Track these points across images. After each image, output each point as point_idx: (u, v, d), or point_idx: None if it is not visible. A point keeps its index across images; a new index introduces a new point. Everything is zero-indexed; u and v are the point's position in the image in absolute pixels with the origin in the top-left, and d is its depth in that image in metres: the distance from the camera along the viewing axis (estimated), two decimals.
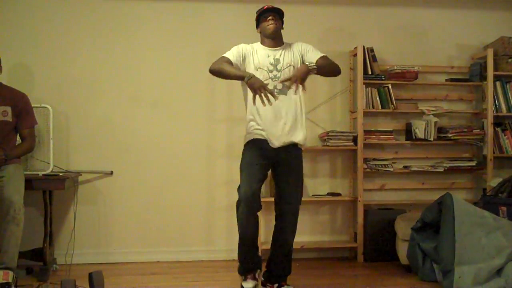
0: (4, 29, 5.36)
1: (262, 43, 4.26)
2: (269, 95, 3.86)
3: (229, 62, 4.10)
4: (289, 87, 4.00)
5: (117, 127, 5.48)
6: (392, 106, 5.62)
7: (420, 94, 5.86)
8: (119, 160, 5.47)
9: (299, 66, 4.10)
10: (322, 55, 4.22)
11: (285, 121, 4.09)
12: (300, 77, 3.87)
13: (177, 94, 5.55)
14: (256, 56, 4.17)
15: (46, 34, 5.42)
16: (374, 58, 5.60)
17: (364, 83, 5.55)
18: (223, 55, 4.16)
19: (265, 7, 4.22)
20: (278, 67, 4.13)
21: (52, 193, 4.98)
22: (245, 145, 4.20)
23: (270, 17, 4.18)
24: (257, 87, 3.85)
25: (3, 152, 4.43)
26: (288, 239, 4.20)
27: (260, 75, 4.07)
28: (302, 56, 4.22)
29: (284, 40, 4.30)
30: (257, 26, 4.30)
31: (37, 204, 5.08)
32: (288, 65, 4.15)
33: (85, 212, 5.38)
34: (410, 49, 5.87)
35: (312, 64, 4.00)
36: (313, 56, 4.20)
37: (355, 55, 5.64)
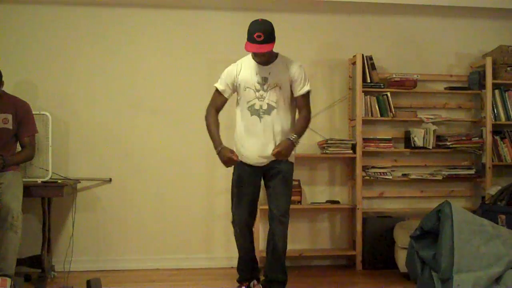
0: (5, 37, 5.38)
1: (253, 57, 4.18)
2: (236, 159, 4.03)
3: (218, 106, 4.22)
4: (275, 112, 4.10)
5: (116, 134, 5.49)
6: (391, 114, 5.62)
7: (419, 102, 5.86)
8: (118, 167, 5.47)
9: (287, 86, 4.13)
10: (306, 91, 4.17)
11: (267, 141, 4.11)
12: (285, 156, 4.07)
13: (176, 101, 5.56)
14: (244, 74, 4.15)
15: (46, 42, 5.43)
16: (373, 66, 5.62)
17: (363, 91, 5.56)
18: (216, 84, 4.24)
19: (254, 49, 3.99)
20: (265, 87, 4.11)
21: (50, 200, 4.98)
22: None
23: (258, 53, 4.06)
24: (223, 162, 4.08)
25: (1, 157, 4.43)
26: (277, 244, 4.21)
27: (248, 94, 4.12)
28: (291, 82, 4.15)
29: (280, 52, 4.23)
30: (246, 43, 4.06)
31: (36, 211, 5.07)
32: (275, 85, 4.11)
33: (84, 219, 5.37)
34: (409, 58, 5.89)
35: (294, 137, 4.06)
36: (297, 90, 4.16)
37: (354, 63, 5.65)
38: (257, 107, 4.10)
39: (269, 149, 4.09)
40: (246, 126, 4.15)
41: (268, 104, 4.09)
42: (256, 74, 4.13)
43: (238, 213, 4.22)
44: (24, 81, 5.35)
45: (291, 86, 4.16)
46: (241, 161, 4.17)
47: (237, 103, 4.26)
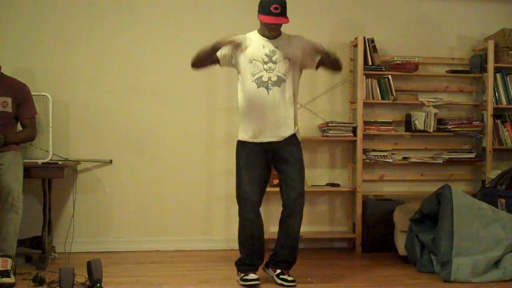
0: (4, 18, 5.34)
1: (259, 32, 4.19)
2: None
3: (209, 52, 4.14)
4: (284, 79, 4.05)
5: (116, 116, 5.48)
6: (392, 97, 5.61)
7: (420, 85, 5.85)
8: (119, 149, 5.47)
9: (297, 58, 4.12)
10: (323, 49, 4.19)
11: (277, 113, 4.08)
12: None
13: (177, 84, 5.54)
14: (250, 47, 4.11)
15: (47, 23, 5.40)
16: (374, 49, 5.59)
17: (364, 74, 5.54)
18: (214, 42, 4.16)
19: (273, 20, 4.02)
20: (274, 59, 4.09)
21: (51, 182, 4.98)
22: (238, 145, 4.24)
23: (273, 26, 4.08)
24: (228, 42, 4.02)
25: (2, 134, 4.43)
26: (294, 226, 4.17)
27: (254, 67, 4.07)
28: (303, 50, 4.16)
29: (285, 30, 4.25)
30: (260, 14, 4.09)
31: (36, 192, 5.07)
32: (284, 57, 4.10)
33: (84, 201, 5.38)
34: (411, 40, 5.86)
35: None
36: (317, 51, 4.17)
37: (355, 45, 5.62)
38: (265, 79, 4.05)
39: (280, 123, 4.07)
40: (251, 100, 4.09)
41: (278, 76, 4.07)
42: (264, 47, 4.11)
43: (251, 193, 4.10)
44: (24, 62, 5.32)
45: (306, 56, 4.16)
46: (246, 141, 4.15)
47: (239, 80, 4.20)
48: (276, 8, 3.98)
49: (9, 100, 4.58)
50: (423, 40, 5.88)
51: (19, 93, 4.64)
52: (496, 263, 4.37)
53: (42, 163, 4.82)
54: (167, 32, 5.55)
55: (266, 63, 4.09)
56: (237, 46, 4.07)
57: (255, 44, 4.13)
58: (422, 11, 5.91)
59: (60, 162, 4.96)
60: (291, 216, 4.16)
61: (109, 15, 5.49)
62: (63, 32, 5.42)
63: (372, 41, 5.58)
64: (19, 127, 4.77)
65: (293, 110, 4.15)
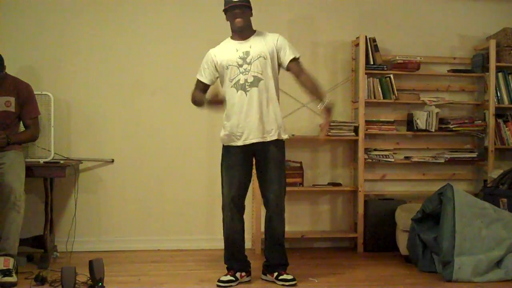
0: (8, 18, 5.34)
1: (232, 36, 4.24)
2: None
3: (199, 87, 4.30)
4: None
5: (118, 115, 5.48)
6: (394, 96, 5.61)
7: (422, 84, 5.84)
8: (120, 148, 5.47)
9: (272, 55, 4.14)
10: (296, 56, 4.19)
11: (256, 114, 4.09)
12: (328, 124, 4.20)
13: (178, 82, 5.53)
14: (225, 55, 4.15)
15: (49, 23, 5.40)
16: (376, 48, 5.59)
17: (366, 73, 5.53)
18: (197, 76, 4.31)
19: (230, 4, 4.13)
20: (248, 60, 4.10)
21: (53, 181, 4.99)
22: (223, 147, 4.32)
23: (236, 11, 4.11)
24: (213, 102, 4.15)
25: (5, 135, 4.43)
26: (275, 228, 4.22)
27: (231, 72, 4.11)
28: (277, 51, 4.17)
29: (281, 33, 4.27)
30: (224, 8, 4.21)
31: (38, 192, 5.08)
32: (259, 56, 4.11)
33: (86, 200, 5.39)
34: (413, 40, 5.85)
35: (321, 103, 4.11)
36: (287, 56, 4.17)
37: (357, 45, 5.62)
38: (242, 81, 4.08)
39: (260, 122, 4.08)
40: (232, 104, 4.12)
41: (254, 76, 4.08)
42: (237, 51, 4.13)
43: (230, 196, 4.20)
44: (26, 61, 5.32)
45: (277, 56, 4.16)
46: (229, 145, 4.21)
47: (222, 86, 4.24)
48: None
49: (12, 99, 4.58)
50: (425, 40, 5.88)
51: (23, 93, 4.64)
52: (498, 263, 4.37)
53: (44, 162, 4.84)
54: (168, 31, 5.55)
55: (240, 65, 4.11)
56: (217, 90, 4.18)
57: (228, 50, 4.17)
58: (423, 11, 5.91)
59: (62, 162, 4.97)
60: (272, 219, 4.22)
61: (111, 15, 5.49)
62: (65, 32, 5.42)
63: (374, 40, 5.58)
64: (21, 126, 4.77)
65: (274, 108, 4.14)
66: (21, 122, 4.73)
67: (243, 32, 4.17)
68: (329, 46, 5.75)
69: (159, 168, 5.53)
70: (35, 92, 4.78)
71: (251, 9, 4.21)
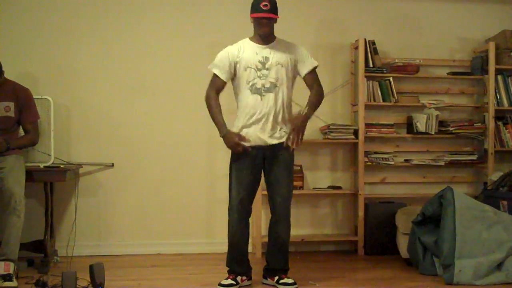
0: (6, 22, 5.35)
1: (252, 38, 4.22)
2: (245, 144, 4.06)
3: (219, 88, 4.19)
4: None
5: (118, 119, 5.48)
6: (393, 99, 5.61)
7: (421, 87, 5.85)
8: (120, 152, 5.47)
9: (290, 65, 4.14)
10: (314, 66, 4.24)
11: (269, 118, 4.10)
12: (301, 131, 4.08)
13: (177, 86, 5.54)
14: (245, 56, 4.14)
15: (48, 27, 5.40)
16: (375, 51, 5.59)
17: (365, 76, 5.54)
18: (212, 69, 4.19)
19: (261, 15, 4.05)
20: (267, 66, 4.11)
21: (53, 185, 4.98)
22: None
23: (264, 21, 4.09)
24: (230, 147, 4.13)
25: (4, 140, 4.43)
26: (281, 233, 4.22)
27: (249, 74, 4.10)
28: (295, 61, 4.19)
29: (281, 35, 4.25)
30: (251, 13, 4.13)
31: (38, 196, 5.08)
32: (277, 63, 4.12)
33: (86, 204, 5.38)
34: (412, 42, 5.86)
35: (303, 109, 4.12)
36: (305, 68, 4.21)
37: (356, 47, 5.62)
38: (258, 85, 4.09)
39: (271, 127, 4.10)
40: (245, 106, 4.13)
41: (270, 82, 4.09)
42: (257, 54, 4.13)
43: (238, 198, 4.15)
44: (25, 66, 5.32)
45: (295, 66, 4.19)
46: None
47: (235, 85, 4.23)
48: (265, 5, 4.04)
49: (11, 104, 4.58)
50: (424, 42, 5.88)
51: (22, 98, 4.63)
52: (499, 266, 4.36)
53: (44, 166, 4.83)
54: (168, 35, 5.55)
55: (259, 70, 4.11)
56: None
57: (249, 51, 4.16)
58: (423, 13, 5.91)
59: (62, 166, 4.96)
60: (278, 223, 4.22)
61: (110, 18, 5.49)
62: (65, 36, 5.42)
63: (373, 43, 5.58)
64: (21, 131, 4.76)
65: (287, 115, 4.16)
66: (21, 126, 4.72)
67: (266, 37, 4.17)
68: (328, 49, 5.76)
69: (159, 172, 5.52)
70: (34, 97, 4.78)
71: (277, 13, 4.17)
